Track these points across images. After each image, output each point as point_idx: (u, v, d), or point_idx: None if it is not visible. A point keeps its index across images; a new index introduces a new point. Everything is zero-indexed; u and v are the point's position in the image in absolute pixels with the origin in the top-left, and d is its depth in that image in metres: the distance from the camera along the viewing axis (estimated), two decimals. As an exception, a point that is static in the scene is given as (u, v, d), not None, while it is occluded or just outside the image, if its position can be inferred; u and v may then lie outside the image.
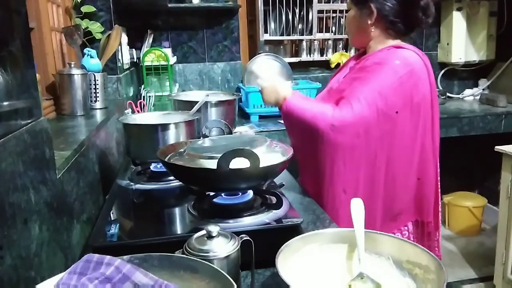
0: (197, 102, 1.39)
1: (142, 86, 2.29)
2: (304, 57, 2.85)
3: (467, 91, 3.07)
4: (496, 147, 2.05)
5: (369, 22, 1.28)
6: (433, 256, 0.67)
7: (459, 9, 2.84)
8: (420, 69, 1.23)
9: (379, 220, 1.30)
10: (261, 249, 0.72)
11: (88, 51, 1.59)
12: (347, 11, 1.37)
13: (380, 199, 1.29)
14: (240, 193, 0.95)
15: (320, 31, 2.81)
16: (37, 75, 0.91)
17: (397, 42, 1.30)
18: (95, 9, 1.77)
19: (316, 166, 1.27)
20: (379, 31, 1.29)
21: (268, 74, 2.18)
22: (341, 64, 1.57)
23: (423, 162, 1.30)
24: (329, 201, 1.26)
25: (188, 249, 0.67)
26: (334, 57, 2.84)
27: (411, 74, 1.21)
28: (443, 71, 3.08)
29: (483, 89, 3.02)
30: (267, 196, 0.97)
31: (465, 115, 2.55)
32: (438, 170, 1.35)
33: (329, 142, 1.21)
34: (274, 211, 0.89)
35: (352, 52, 2.85)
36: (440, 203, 1.36)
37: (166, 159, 0.96)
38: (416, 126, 1.25)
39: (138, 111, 1.91)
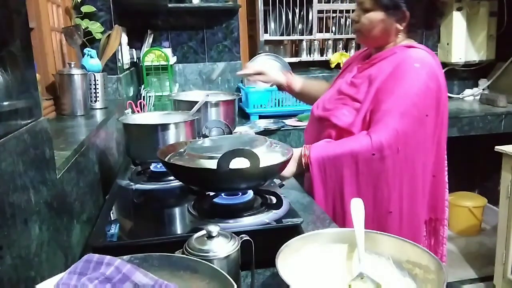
0: (197, 102, 1.39)
1: (142, 86, 2.29)
2: (304, 57, 2.85)
3: (467, 91, 3.07)
4: (496, 147, 2.05)
5: (398, 26, 1.24)
6: (433, 256, 0.67)
7: (459, 9, 2.84)
8: (436, 66, 1.25)
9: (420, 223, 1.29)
10: (261, 249, 0.71)
11: (88, 51, 1.59)
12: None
13: (420, 204, 1.27)
14: (240, 193, 0.95)
15: (320, 31, 2.80)
16: (37, 75, 0.91)
17: (407, 41, 1.29)
18: (95, 9, 1.77)
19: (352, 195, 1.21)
20: (401, 34, 1.27)
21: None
22: (342, 64, 1.54)
23: (438, 159, 1.29)
24: (374, 225, 1.18)
25: (188, 249, 0.67)
26: (334, 57, 2.84)
27: (432, 74, 1.21)
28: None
29: (483, 89, 3.02)
30: (267, 196, 0.97)
31: (465, 115, 2.55)
32: (446, 166, 1.34)
33: (372, 171, 1.18)
34: (274, 211, 0.89)
35: (352, 52, 2.85)
36: (447, 200, 1.35)
37: (166, 159, 0.96)
38: (436, 124, 1.25)
39: (138, 111, 1.91)
